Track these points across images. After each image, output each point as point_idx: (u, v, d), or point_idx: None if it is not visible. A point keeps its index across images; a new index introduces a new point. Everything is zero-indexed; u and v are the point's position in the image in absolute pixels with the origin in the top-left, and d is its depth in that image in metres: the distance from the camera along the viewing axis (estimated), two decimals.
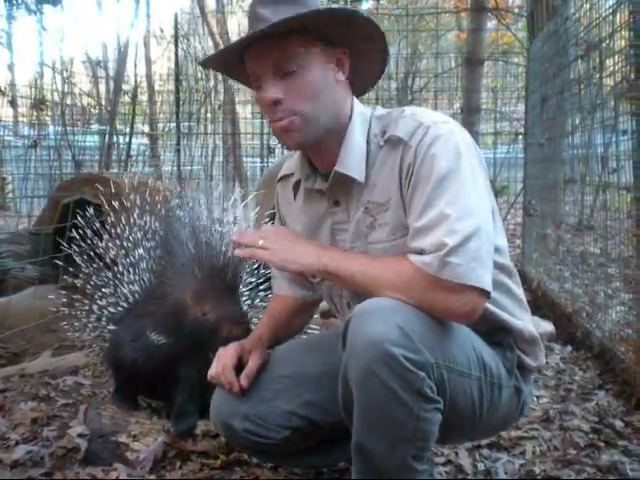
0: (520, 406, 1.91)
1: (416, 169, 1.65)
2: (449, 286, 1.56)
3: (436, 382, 1.61)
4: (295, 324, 2.23)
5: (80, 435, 2.38)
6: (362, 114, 1.81)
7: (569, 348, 3.73)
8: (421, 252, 1.59)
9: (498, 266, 1.75)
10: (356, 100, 1.84)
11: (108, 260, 2.85)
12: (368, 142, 1.78)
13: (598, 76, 3.86)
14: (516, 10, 8.77)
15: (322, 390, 1.97)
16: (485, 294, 1.60)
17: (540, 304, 4.54)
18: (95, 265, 2.89)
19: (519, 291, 1.91)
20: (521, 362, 1.87)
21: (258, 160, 9.72)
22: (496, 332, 1.82)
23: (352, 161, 1.76)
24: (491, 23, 9.02)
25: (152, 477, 2.24)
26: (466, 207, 1.59)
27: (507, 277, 1.85)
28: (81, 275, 2.91)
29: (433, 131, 1.66)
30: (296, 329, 2.27)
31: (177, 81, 7.48)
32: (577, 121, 4.35)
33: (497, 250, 1.74)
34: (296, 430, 2.00)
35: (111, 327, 2.78)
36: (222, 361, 2.00)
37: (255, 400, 2.00)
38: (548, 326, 3.97)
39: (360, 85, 1.88)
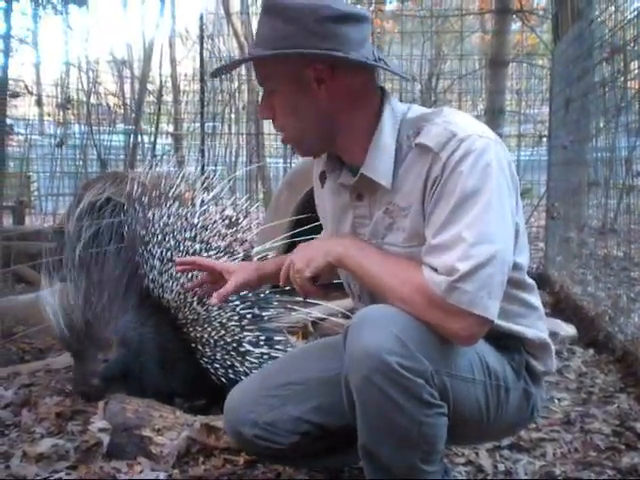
0: (530, 409, 1.89)
1: (442, 183, 1.61)
2: (453, 310, 1.55)
3: (438, 389, 1.61)
4: None
5: (101, 430, 2.40)
6: (394, 113, 1.76)
7: (591, 351, 3.72)
8: (434, 269, 1.58)
9: (514, 282, 1.74)
10: (390, 97, 1.80)
11: None
12: (399, 142, 1.73)
13: (622, 79, 3.85)
14: (541, 12, 8.75)
15: (330, 395, 1.96)
16: (488, 323, 1.58)
17: (563, 307, 4.52)
18: None
19: (534, 300, 1.87)
20: (529, 366, 1.85)
21: (281, 161, 9.74)
22: (505, 338, 1.80)
23: (380, 164, 1.73)
24: (515, 25, 8.99)
25: (175, 471, 2.27)
26: (485, 233, 1.56)
27: (522, 291, 1.82)
28: None
29: (465, 145, 1.60)
30: None
31: (202, 81, 7.51)
32: (601, 124, 4.34)
33: (516, 267, 1.72)
34: (305, 435, 2.01)
35: None
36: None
37: (264, 407, 2.02)
38: (570, 329, 3.96)
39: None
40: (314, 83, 1.71)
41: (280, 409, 2.01)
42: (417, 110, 1.80)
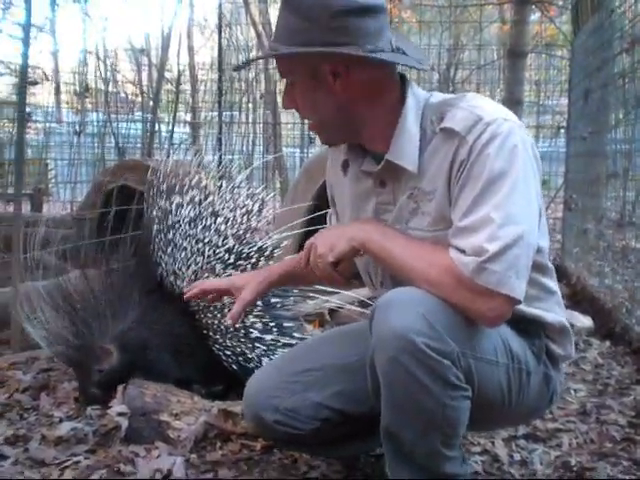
0: (550, 393, 1.91)
1: (468, 167, 1.63)
2: (481, 290, 1.56)
3: (463, 371, 1.63)
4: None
5: (120, 414, 2.42)
6: (416, 99, 1.78)
7: (607, 343, 3.71)
8: (461, 251, 1.59)
9: (536, 265, 1.73)
10: (412, 84, 1.81)
11: None
12: (423, 128, 1.74)
13: None
14: (560, 2, 8.69)
15: (352, 381, 1.97)
16: (515, 303, 1.60)
17: (579, 299, 4.51)
18: None
19: (552, 285, 1.88)
20: (549, 350, 1.87)
21: (298, 150, 9.76)
22: (525, 322, 1.81)
23: (405, 150, 1.73)
24: (535, 15, 8.94)
25: (193, 456, 2.28)
26: (512, 214, 1.58)
27: (542, 275, 1.83)
28: None
29: (492, 129, 1.62)
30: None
31: (220, 70, 7.52)
32: (620, 115, 4.32)
33: (538, 250, 1.72)
34: (326, 421, 2.01)
35: None
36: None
37: (285, 392, 2.02)
38: (587, 321, 3.95)
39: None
40: (330, 77, 1.72)
41: (301, 394, 2.01)
42: (439, 96, 1.81)
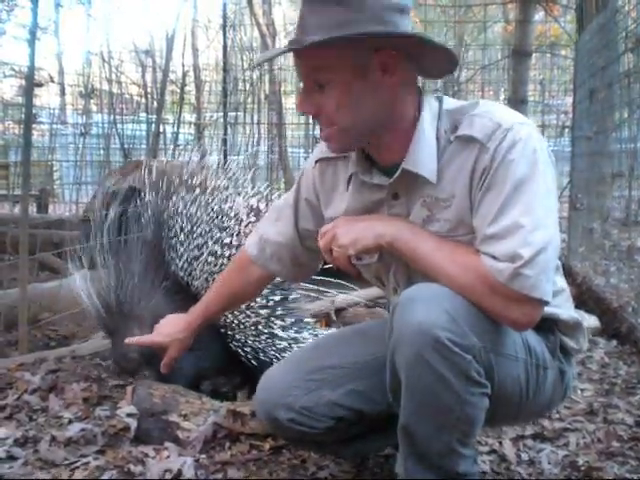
0: (564, 387, 1.93)
1: (492, 173, 1.64)
2: (515, 296, 1.58)
3: (484, 366, 1.63)
4: (248, 295, 2.46)
5: (129, 415, 2.43)
6: (431, 108, 1.77)
7: (614, 343, 3.72)
8: (493, 257, 1.60)
9: None
10: (424, 93, 1.79)
11: None
12: (437, 138, 1.74)
13: None
14: (564, 2, 8.68)
15: (367, 379, 1.98)
16: (544, 305, 1.63)
17: (585, 298, 4.50)
18: None
19: (562, 282, 1.91)
20: (563, 344, 1.89)
21: (302, 150, 9.76)
22: (540, 320, 1.79)
23: (423, 159, 1.72)
24: (539, 15, 8.93)
25: (202, 457, 2.29)
26: (539, 218, 1.59)
27: (554, 273, 1.82)
28: None
29: (512, 135, 1.64)
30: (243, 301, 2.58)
31: (225, 71, 7.52)
32: (625, 114, 4.32)
33: None
34: (340, 420, 2.01)
35: None
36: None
37: (300, 391, 2.01)
38: (593, 320, 3.96)
39: (436, 69, 1.83)
40: (379, 72, 1.69)
41: (316, 392, 2.00)
42: (450, 103, 1.81)
